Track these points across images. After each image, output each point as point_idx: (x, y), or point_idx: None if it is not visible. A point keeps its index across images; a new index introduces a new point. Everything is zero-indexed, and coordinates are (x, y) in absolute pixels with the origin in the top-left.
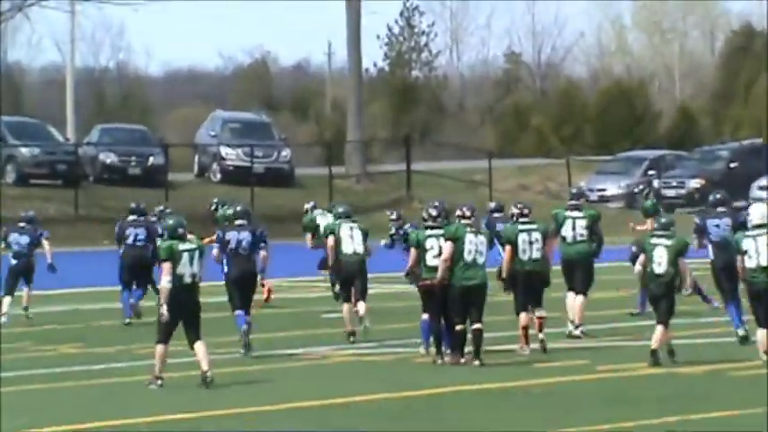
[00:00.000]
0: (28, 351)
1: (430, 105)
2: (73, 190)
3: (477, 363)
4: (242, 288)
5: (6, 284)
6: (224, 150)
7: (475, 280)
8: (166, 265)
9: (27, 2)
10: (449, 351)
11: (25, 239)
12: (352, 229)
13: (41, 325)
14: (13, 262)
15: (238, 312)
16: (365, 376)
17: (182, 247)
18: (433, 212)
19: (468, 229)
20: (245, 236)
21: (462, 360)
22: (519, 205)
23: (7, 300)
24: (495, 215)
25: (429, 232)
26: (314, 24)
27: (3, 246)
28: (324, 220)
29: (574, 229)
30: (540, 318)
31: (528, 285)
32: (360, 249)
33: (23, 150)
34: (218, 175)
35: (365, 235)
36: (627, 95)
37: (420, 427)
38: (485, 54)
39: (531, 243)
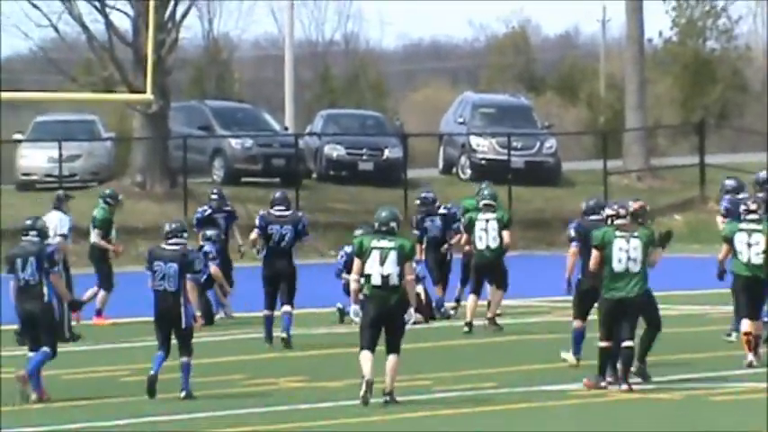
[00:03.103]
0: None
1: (729, 84)
2: (293, 190)
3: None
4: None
5: None
6: (475, 141)
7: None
8: (355, 263)
9: None
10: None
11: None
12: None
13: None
14: None
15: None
16: (655, 420)
17: (374, 243)
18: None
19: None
20: (288, 230)
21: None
22: (749, 200)
23: None
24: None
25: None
26: None
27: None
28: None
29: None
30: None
31: (748, 292)
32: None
33: (233, 142)
34: (468, 171)
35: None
36: None
37: None
38: None
39: (749, 245)
